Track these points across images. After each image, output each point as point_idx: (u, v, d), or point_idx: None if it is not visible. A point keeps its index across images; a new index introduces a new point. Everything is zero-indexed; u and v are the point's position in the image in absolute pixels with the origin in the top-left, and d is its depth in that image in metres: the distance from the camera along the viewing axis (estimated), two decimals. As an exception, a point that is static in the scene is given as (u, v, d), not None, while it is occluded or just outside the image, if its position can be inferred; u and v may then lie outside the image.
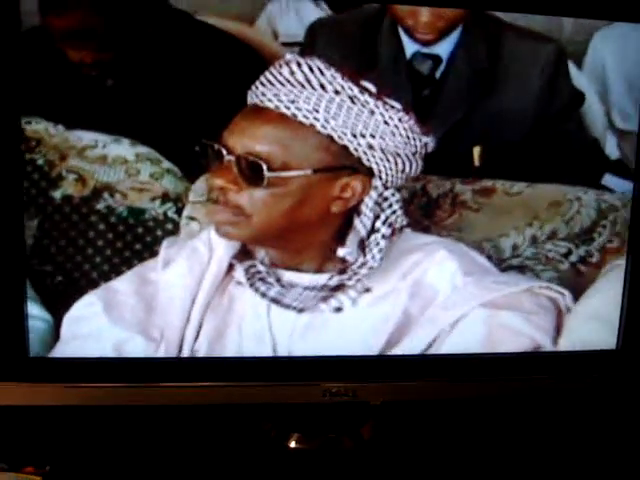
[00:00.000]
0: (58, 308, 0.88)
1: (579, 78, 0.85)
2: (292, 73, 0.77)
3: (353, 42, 0.83)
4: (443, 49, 0.85)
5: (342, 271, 0.83)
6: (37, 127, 0.87)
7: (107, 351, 0.84)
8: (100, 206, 0.87)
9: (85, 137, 0.87)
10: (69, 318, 0.85)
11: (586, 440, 1.32)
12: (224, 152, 0.78)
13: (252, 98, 0.79)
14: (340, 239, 0.83)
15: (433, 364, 1.13)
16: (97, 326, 0.84)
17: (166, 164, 0.89)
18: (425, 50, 0.86)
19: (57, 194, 0.88)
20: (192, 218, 0.87)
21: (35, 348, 0.92)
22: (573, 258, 0.89)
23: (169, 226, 0.88)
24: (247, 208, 0.79)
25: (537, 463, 1.27)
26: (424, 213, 0.87)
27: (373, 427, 1.30)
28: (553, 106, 0.84)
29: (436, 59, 0.85)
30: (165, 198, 0.89)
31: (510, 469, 1.26)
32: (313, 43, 0.83)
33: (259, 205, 0.79)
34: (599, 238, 0.89)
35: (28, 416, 1.21)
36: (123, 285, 0.84)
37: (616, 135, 0.87)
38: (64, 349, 0.89)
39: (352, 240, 0.82)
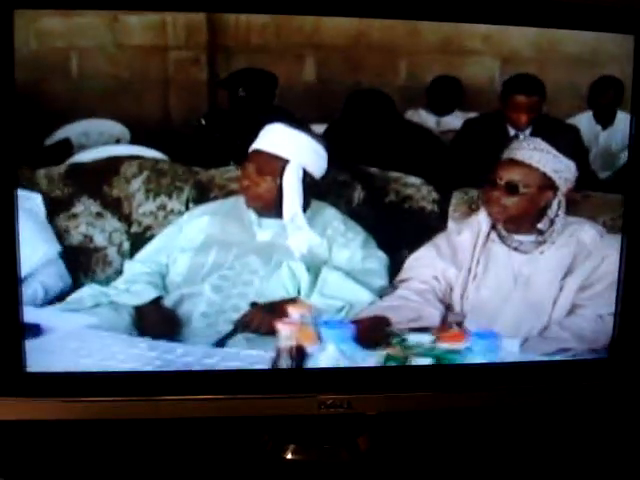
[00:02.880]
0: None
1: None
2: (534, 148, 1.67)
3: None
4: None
5: (540, 234, 1.73)
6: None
7: (437, 273, 1.72)
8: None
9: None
10: (412, 258, 1.70)
11: (579, 447, 1.43)
12: (498, 180, 1.68)
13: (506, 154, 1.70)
14: (540, 219, 1.71)
15: (428, 375, 1.34)
16: (431, 261, 1.69)
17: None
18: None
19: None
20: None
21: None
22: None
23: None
24: (505, 205, 1.69)
25: (532, 472, 1.36)
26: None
27: (370, 438, 1.37)
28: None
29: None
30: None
31: (505, 478, 1.36)
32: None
33: (512, 205, 1.69)
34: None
35: (25, 431, 1.29)
36: (441, 241, 1.69)
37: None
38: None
39: (545, 219, 1.71)
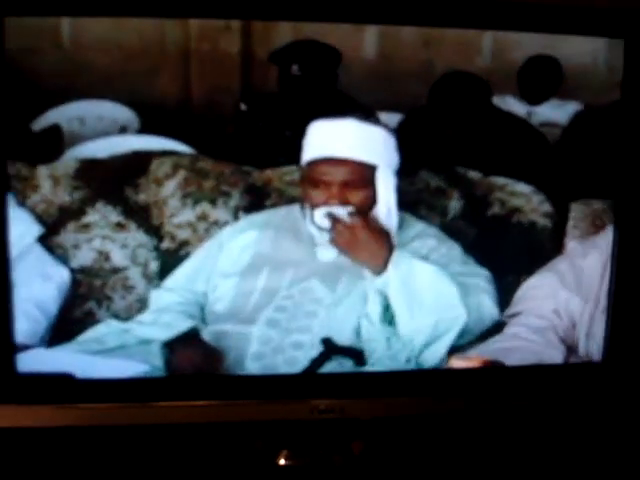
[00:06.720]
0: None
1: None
2: None
3: None
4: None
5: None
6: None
7: (559, 306, 1.34)
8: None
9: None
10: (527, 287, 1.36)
11: (575, 451, 1.37)
12: None
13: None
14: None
15: (422, 380, 1.28)
16: (553, 291, 1.34)
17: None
18: None
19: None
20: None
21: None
22: None
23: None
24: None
25: (526, 476, 1.33)
26: None
27: (363, 442, 1.33)
28: None
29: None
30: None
31: (501, 481, 1.33)
32: None
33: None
34: None
35: (19, 437, 1.25)
36: (563, 266, 1.36)
37: None
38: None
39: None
